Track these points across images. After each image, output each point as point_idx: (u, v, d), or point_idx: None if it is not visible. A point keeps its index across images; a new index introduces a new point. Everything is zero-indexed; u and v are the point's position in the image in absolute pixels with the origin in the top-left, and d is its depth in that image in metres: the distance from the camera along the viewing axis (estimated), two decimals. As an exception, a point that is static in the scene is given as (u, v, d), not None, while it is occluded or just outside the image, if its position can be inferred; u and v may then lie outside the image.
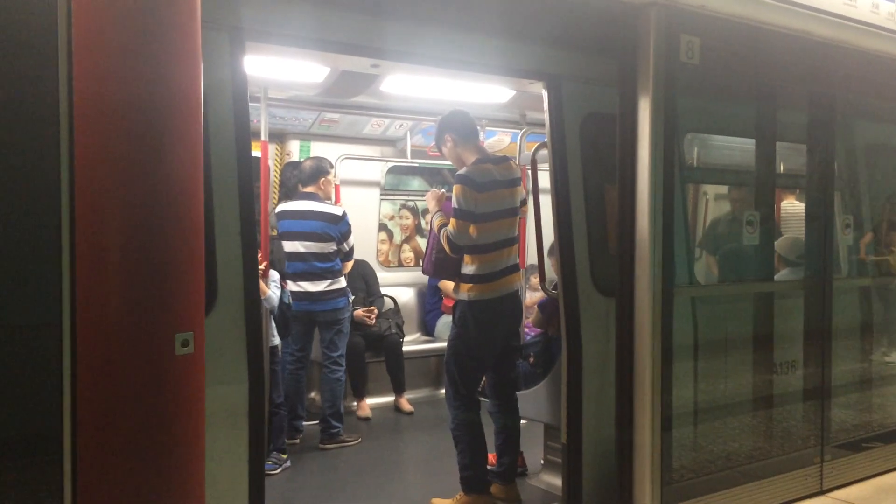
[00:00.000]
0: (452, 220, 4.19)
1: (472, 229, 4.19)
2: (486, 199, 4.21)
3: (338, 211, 5.63)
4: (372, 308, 6.47)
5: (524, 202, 4.56)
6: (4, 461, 2.40)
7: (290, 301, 5.03)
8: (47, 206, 2.40)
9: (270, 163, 6.18)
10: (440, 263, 4.42)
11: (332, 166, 5.80)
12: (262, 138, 4.97)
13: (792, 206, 5.89)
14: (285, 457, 5.11)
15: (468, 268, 4.28)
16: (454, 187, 4.23)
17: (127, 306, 2.28)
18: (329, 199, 5.73)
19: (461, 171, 4.29)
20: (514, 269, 4.40)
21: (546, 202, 4.36)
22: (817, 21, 4.31)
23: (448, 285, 4.81)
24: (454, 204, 4.21)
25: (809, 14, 4.24)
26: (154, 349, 2.29)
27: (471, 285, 4.26)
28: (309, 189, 5.60)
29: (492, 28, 3.76)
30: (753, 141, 4.83)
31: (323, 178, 5.63)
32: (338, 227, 5.56)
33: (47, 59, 2.37)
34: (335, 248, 5.57)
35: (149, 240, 2.30)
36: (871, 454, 5.04)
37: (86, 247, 2.28)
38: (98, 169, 2.27)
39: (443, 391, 4.95)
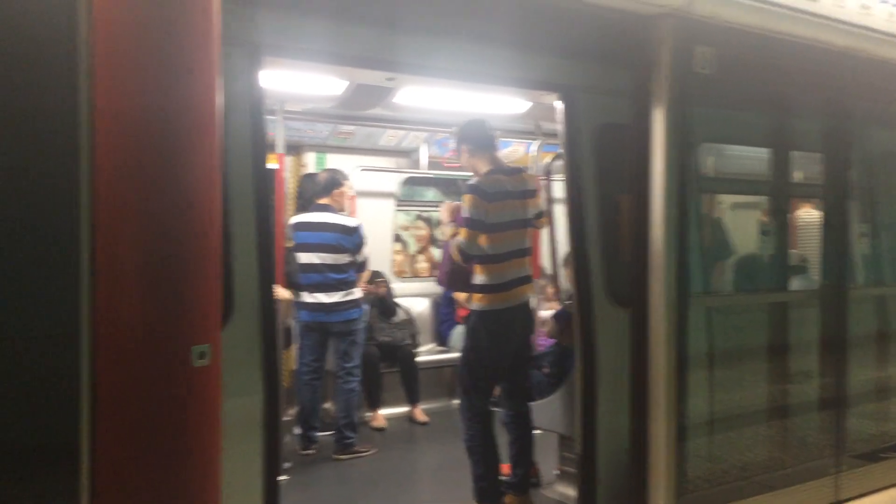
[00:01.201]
0: (463, 230, 4.21)
1: (482, 239, 4.21)
2: (496, 209, 4.22)
3: (352, 222, 5.66)
4: (381, 280, 6.45)
5: (542, 214, 4.56)
6: (23, 472, 2.43)
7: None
8: (66, 219, 2.42)
9: (287, 175, 6.23)
10: (454, 274, 4.45)
11: (346, 178, 5.83)
12: (279, 151, 5.01)
13: (808, 216, 5.87)
14: None
15: (479, 278, 4.30)
16: (464, 197, 4.26)
17: (144, 318, 2.30)
18: (343, 210, 5.76)
19: (471, 182, 4.32)
20: (527, 280, 4.41)
21: (561, 212, 4.36)
22: (832, 30, 4.30)
23: (462, 296, 4.83)
24: (464, 213, 4.23)
25: (824, 23, 4.23)
26: (171, 361, 2.31)
27: (481, 295, 4.28)
28: (323, 201, 5.64)
29: (506, 40, 3.78)
30: (768, 150, 4.81)
31: (336, 190, 5.66)
32: (352, 239, 5.59)
33: (68, 75, 2.41)
34: (349, 259, 5.60)
35: (166, 252, 2.33)
36: (887, 465, 4.99)
37: (104, 259, 2.31)
38: (117, 182, 2.30)
39: (457, 401, 4.96)
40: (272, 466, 3.17)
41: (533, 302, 4.82)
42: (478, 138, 4.45)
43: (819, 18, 4.19)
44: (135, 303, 2.30)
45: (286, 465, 4.93)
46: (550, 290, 6.27)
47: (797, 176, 5.18)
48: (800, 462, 4.61)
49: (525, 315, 4.43)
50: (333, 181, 5.68)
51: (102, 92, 2.30)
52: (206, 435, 2.42)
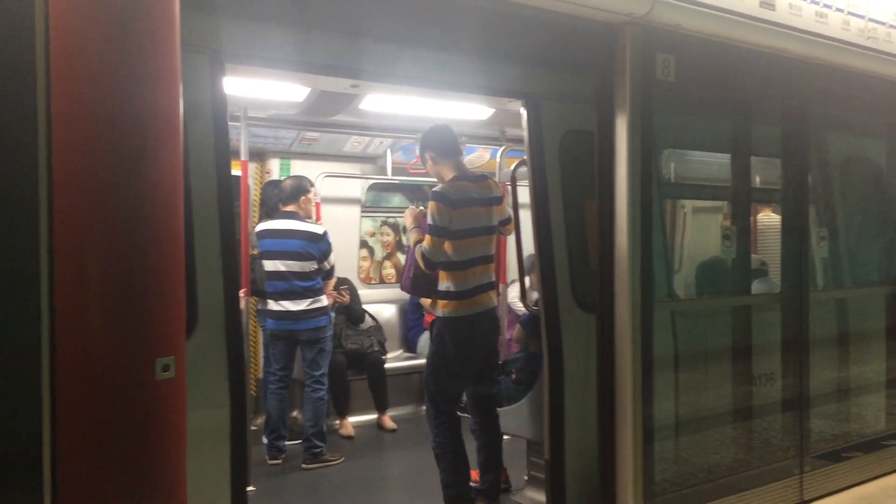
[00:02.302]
0: (427, 237, 4.21)
1: (446, 245, 4.21)
2: (460, 215, 4.23)
3: (318, 229, 5.63)
4: (344, 287, 6.42)
5: (507, 221, 4.58)
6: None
7: None
8: (25, 229, 2.38)
9: (251, 182, 6.18)
10: (417, 280, 4.44)
11: (312, 185, 5.80)
12: (243, 157, 4.97)
13: (768, 219, 5.97)
14: None
15: (443, 284, 4.30)
16: (429, 204, 4.26)
17: (106, 330, 2.26)
18: (310, 217, 5.73)
19: (436, 188, 4.32)
20: (490, 286, 4.43)
21: (526, 218, 4.38)
22: (790, 38, 4.38)
23: (427, 301, 4.83)
24: (429, 220, 4.23)
25: (782, 31, 4.31)
26: (134, 374, 2.27)
27: (446, 301, 4.29)
28: (289, 208, 5.60)
29: (470, 48, 3.79)
30: (729, 155, 4.89)
31: (303, 197, 5.63)
32: (318, 246, 5.56)
33: (25, 82, 2.36)
34: (316, 266, 5.57)
35: (128, 263, 2.29)
36: (850, 464, 5.09)
37: (64, 271, 2.27)
38: (76, 190, 2.26)
39: (425, 408, 4.95)
40: (239, 478, 3.14)
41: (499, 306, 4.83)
42: (442, 145, 4.45)
43: (776, 27, 4.27)
44: (96, 314, 2.26)
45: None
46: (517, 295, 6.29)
47: (757, 180, 5.28)
48: (765, 463, 4.68)
49: (490, 321, 4.44)
50: (300, 188, 5.64)
51: (60, 99, 2.26)
52: (171, 448, 2.38)
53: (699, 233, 5.44)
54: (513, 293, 6.37)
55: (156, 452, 2.33)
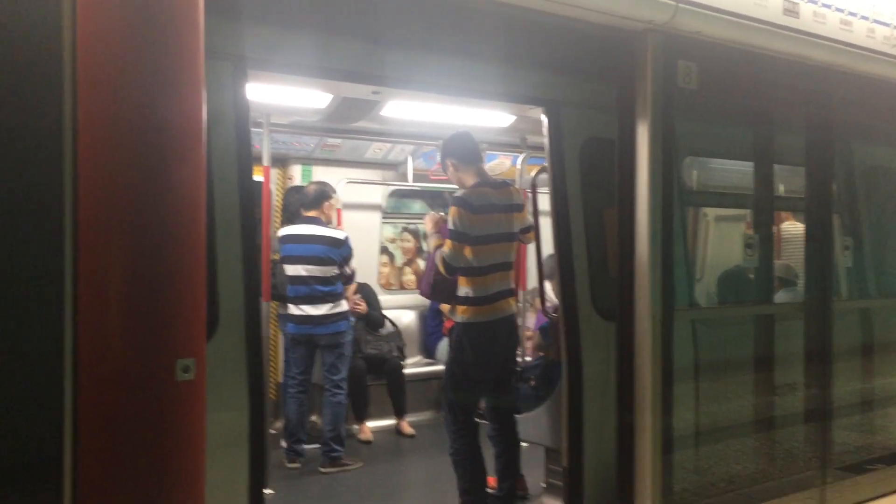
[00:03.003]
0: (448, 242, 4.22)
1: (467, 251, 4.22)
2: (481, 221, 4.23)
3: (340, 235, 5.66)
4: (358, 296, 6.39)
5: (528, 229, 4.57)
6: (5, 488, 2.40)
7: None
8: (50, 233, 2.41)
9: (272, 187, 6.22)
10: (437, 286, 4.45)
11: (334, 191, 5.84)
12: (265, 163, 5.01)
13: (793, 227, 5.91)
14: None
15: (462, 290, 4.31)
16: (450, 209, 4.27)
17: (128, 332, 2.29)
18: (331, 222, 5.76)
19: (457, 194, 4.34)
20: (509, 293, 4.43)
21: (546, 225, 4.38)
22: (813, 45, 4.35)
23: (446, 307, 4.84)
24: (450, 225, 4.24)
25: (806, 39, 4.28)
26: (155, 375, 2.30)
27: (465, 307, 4.29)
28: (312, 213, 5.64)
29: (491, 55, 3.80)
30: (752, 164, 4.86)
31: (326, 203, 5.67)
32: (340, 251, 5.59)
33: (52, 89, 2.40)
34: (337, 271, 5.59)
35: (151, 266, 2.32)
36: (872, 476, 5.02)
37: (88, 273, 2.30)
38: (101, 195, 2.29)
39: (443, 414, 4.95)
40: (258, 480, 3.16)
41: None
42: (463, 152, 4.47)
43: (800, 34, 4.24)
44: (119, 317, 2.29)
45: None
46: (537, 302, 6.28)
47: (781, 189, 5.23)
48: (786, 474, 4.62)
49: (509, 328, 4.43)
50: (324, 194, 5.68)
51: (86, 105, 2.29)
52: (190, 450, 2.40)
53: (721, 241, 5.40)
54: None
55: (175, 453, 2.35)
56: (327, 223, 5.68)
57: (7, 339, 2.41)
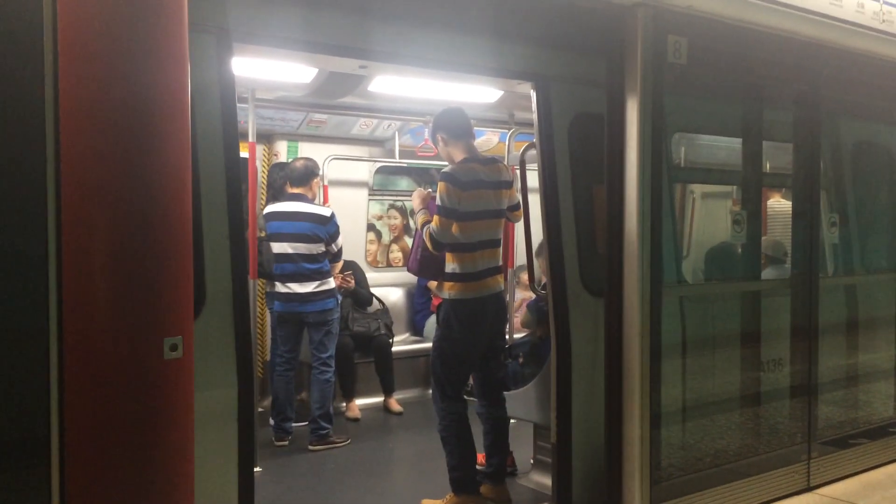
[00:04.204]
0: (436, 218, 4.20)
1: (454, 227, 4.20)
2: (469, 197, 4.21)
3: (326, 212, 5.62)
4: (349, 273, 6.36)
5: (516, 207, 4.55)
6: (-8, 467, 2.39)
7: None
8: (33, 210, 2.38)
9: (258, 164, 6.17)
10: (425, 262, 4.44)
11: (318, 167, 5.79)
12: (250, 139, 4.96)
13: (779, 205, 5.93)
14: None
15: (450, 266, 4.29)
16: (438, 185, 4.24)
17: (114, 310, 2.26)
18: (315, 199, 5.72)
19: (445, 169, 4.31)
20: (497, 270, 4.42)
21: (534, 202, 4.37)
22: (803, 21, 4.33)
23: (434, 284, 4.82)
24: (437, 201, 4.22)
25: (795, 14, 4.25)
26: (142, 354, 2.28)
27: (452, 283, 4.28)
28: (298, 190, 5.59)
29: (480, 29, 3.76)
30: (740, 140, 4.85)
31: (315, 180, 5.63)
32: (326, 228, 5.55)
33: (33, 62, 2.35)
34: (324, 249, 5.56)
35: (136, 243, 2.29)
36: (857, 450, 5.08)
37: (73, 251, 2.27)
38: (84, 171, 2.26)
39: (431, 391, 4.96)
40: (246, 458, 3.15)
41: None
42: (454, 126, 4.43)
43: (789, 9, 4.21)
44: (104, 294, 2.26)
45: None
46: (523, 278, 6.28)
47: (768, 165, 5.24)
48: (771, 449, 4.67)
49: (497, 304, 4.43)
50: (312, 171, 5.64)
51: (68, 80, 2.25)
52: (178, 428, 2.39)
53: (709, 217, 5.41)
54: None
55: (163, 431, 2.33)
56: (312, 200, 5.64)
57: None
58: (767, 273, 5.16)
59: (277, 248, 5.51)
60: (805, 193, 4.92)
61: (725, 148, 5.14)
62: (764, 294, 4.95)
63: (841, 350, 5.37)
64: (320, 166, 5.83)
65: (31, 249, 2.37)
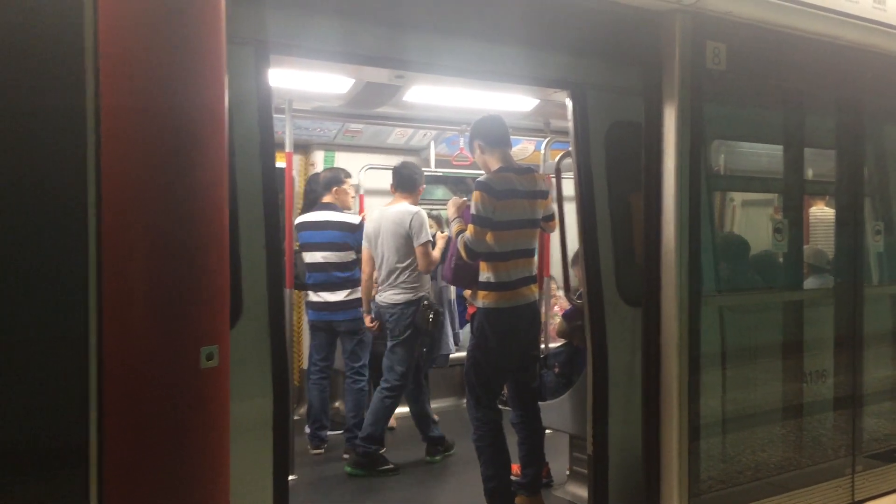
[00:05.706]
0: (470, 227, 4.19)
1: (489, 236, 4.18)
2: (504, 207, 4.19)
3: (354, 219, 5.65)
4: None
5: (550, 217, 4.53)
6: (32, 474, 2.42)
7: None
8: (73, 220, 2.41)
9: (295, 174, 6.22)
10: (459, 270, 4.43)
11: (348, 175, 5.81)
12: (287, 149, 5.00)
13: (821, 213, 5.81)
14: None
15: (484, 275, 4.28)
16: (473, 194, 4.23)
17: (152, 319, 2.29)
18: (347, 208, 5.75)
19: (481, 178, 4.30)
20: (532, 280, 4.39)
21: (570, 211, 4.33)
22: (845, 25, 4.25)
23: (468, 293, 4.82)
24: (472, 210, 4.21)
25: (837, 18, 4.18)
26: (179, 362, 2.29)
27: (486, 293, 4.26)
28: (326, 199, 5.64)
29: (515, 38, 3.75)
30: (781, 147, 4.77)
31: (336, 188, 5.65)
32: (355, 236, 5.57)
33: (74, 75, 2.39)
34: (354, 256, 5.59)
35: (174, 253, 2.31)
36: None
37: (111, 260, 2.30)
38: (124, 182, 2.28)
39: (466, 401, 4.94)
40: (282, 466, 3.16)
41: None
42: (492, 134, 4.43)
43: (832, 14, 4.14)
44: (143, 304, 2.29)
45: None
46: (560, 289, 6.24)
47: (811, 172, 5.14)
48: (815, 462, 4.56)
49: (531, 314, 4.40)
50: (334, 179, 5.67)
51: (108, 91, 2.28)
52: (214, 436, 2.40)
53: (749, 226, 5.32)
54: None
55: (200, 440, 2.35)
56: (343, 208, 5.66)
57: (32, 328, 2.42)
58: (810, 283, 5.05)
59: (308, 257, 5.55)
60: (849, 201, 4.82)
61: (766, 155, 5.05)
62: (807, 304, 4.85)
63: (886, 361, 5.24)
64: (351, 175, 5.85)
65: (72, 260, 2.40)
